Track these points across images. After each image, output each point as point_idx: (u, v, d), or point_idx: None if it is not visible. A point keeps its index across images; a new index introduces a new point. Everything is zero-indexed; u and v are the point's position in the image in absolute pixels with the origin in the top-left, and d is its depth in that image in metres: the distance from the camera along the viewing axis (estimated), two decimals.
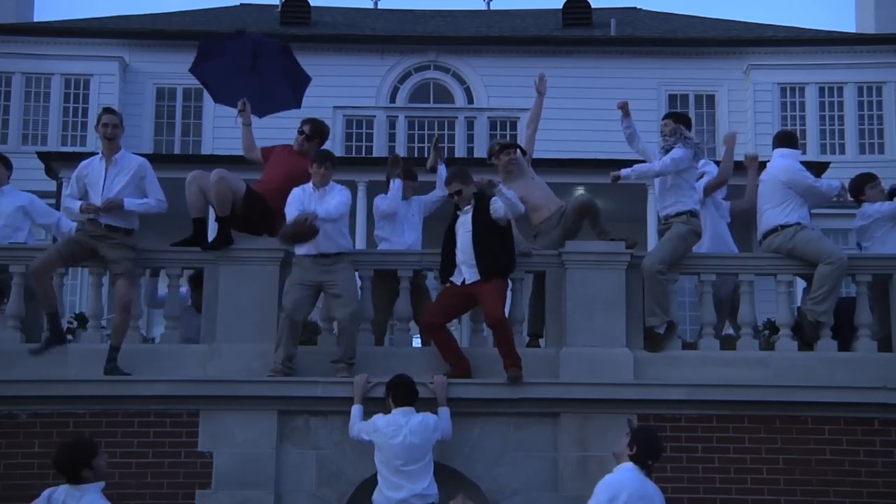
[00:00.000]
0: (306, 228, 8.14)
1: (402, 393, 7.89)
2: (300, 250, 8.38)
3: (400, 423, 7.74)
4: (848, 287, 9.76)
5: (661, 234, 9.20)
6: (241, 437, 8.27)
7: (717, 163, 10.06)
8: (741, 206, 9.78)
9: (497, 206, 8.36)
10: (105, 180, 8.55)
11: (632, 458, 6.58)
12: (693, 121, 9.72)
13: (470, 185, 8.51)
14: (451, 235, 8.54)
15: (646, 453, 6.61)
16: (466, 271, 8.34)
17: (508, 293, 8.60)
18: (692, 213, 8.85)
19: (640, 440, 6.64)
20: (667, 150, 8.93)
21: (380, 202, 9.56)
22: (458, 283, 8.40)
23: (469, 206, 8.46)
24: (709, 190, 9.45)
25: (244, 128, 9.35)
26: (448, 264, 8.51)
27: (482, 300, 8.35)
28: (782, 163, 9.07)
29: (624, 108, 9.22)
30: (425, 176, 10.31)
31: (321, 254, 8.35)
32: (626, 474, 6.47)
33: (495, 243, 8.34)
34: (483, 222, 8.35)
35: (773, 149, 9.29)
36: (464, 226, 8.43)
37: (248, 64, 9.37)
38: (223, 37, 9.85)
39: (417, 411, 7.89)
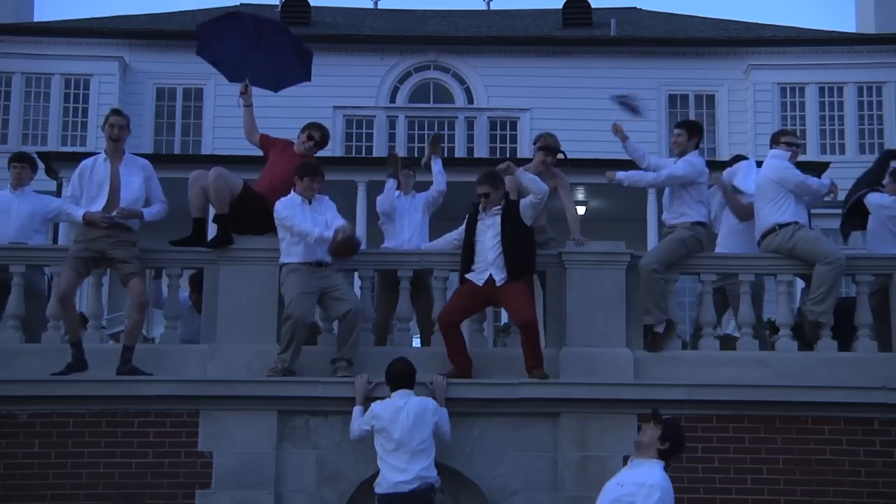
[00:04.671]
0: (354, 242, 8.35)
1: (399, 377, 7.93)
2: (298, 258, 8.38)
3: (398, 404, 7.77)
4: (848, 287, 9.76)
5: (662, 237, 9.21)
6: (241, 437, 8.26)
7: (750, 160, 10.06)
8: None
9: (523, 200, 8.43)
10: (120, 181, 8.54)
11: (661, 453, 6.41)
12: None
13: (500, 189, 8.50)
14: (471, 233, 8.51)
15: (676, 450, 6.46)
16: (496, 273, 8.34)
17: None
18: (698, 223, 8.85)
19: (673, 436, 6.43)
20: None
21: (377, 202, 9.92)
22: (481, 285, 8.37)
23: (497, 208, 8.46)
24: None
25: (245, 109, 9.33)
26: (468, 261, 8.50)
27: (510, 302, 8.36)
28: (773, 162, 9.12)
29: (619, 131, 9.19)
30: (423, 176, 10.34)
31: (318, 262, 8.38)
32: (667, 481, 6.30)
33: (522, 244, 8.39)
34: (512, 224, 8.37)
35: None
36: (492, 228, 8.41)
37: (253, 41, 9.36)
38: (220, 18, 9.77)
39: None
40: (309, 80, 9.80)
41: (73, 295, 8.49)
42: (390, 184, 9.88)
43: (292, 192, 8.57)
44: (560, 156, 9.49)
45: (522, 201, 8.48)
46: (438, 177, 9.93)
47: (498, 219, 8.42)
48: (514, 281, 8.31)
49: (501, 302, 8.50)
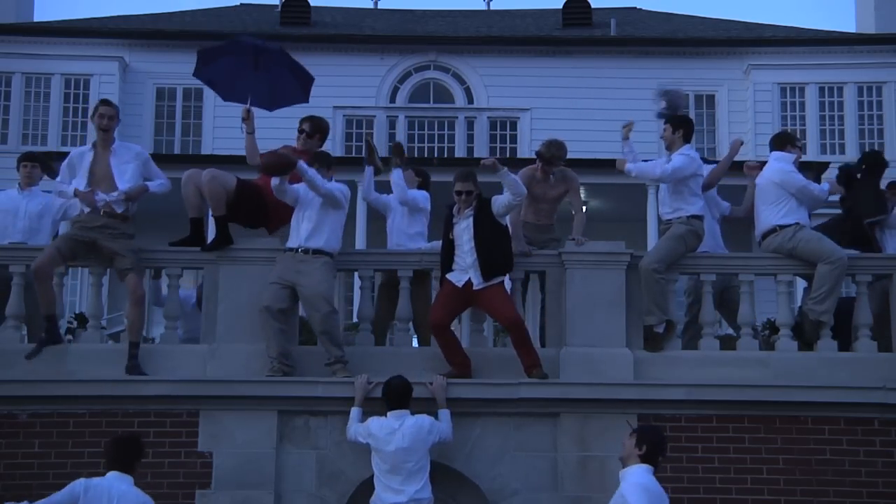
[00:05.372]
0: (284, 158, 8.28)
1: (396, 396, 7.91)
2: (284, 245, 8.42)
3: (393, 426, 7.77)
4: (848, 287, 9.77)
5: (661, 234, 9.21)
6: (241, 437, 8.27)
7: (712, 162, 10.08)
8: (738, 214, 9.84)
9: (498, 198, 8.38)
10: (112, 171, 8.54)
11: (642, 458, 6.54)
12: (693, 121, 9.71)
13: (477, 188, 8.46)
14: (449, 233, 8.50)
15: (655, 450, 6.60)
16: (474, 276, 8.34)
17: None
18: (694, 217, 8.85)
19: (648, 438, 6.61)
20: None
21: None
22: (460, 286, 8.38)
23: (470, 210, 8.44)
24: (704, 188, 9.43)
25: (248, 136, 9.18)
26: (448, 261, 8.49)
27: (491, 306, 8.40)
28: (776, 165, 9.15)
29: (628, 130, 9.24)
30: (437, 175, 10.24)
31: (302, 248, 8.38)
32: (652, 482, 6.45)
33: (495, 246, 8.36)
34: (484, 225, 8.35)
35: (770, 151, 9.34)
36: (468, 231, 8.39)
37: (251, 62, 9.35)
38: (220, 42, 9.80)
39: (414, 412, 7.90)
40: (306, 101, 9.68)
41: (47, 269, 8.39)
42: (368, 171, 9.62)
43: None
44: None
45: (496, 198, 8.43)
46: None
47: (470, 220, 8.41)
48: (491, 283, 8.33)
49: (482, 307, 8.55)
